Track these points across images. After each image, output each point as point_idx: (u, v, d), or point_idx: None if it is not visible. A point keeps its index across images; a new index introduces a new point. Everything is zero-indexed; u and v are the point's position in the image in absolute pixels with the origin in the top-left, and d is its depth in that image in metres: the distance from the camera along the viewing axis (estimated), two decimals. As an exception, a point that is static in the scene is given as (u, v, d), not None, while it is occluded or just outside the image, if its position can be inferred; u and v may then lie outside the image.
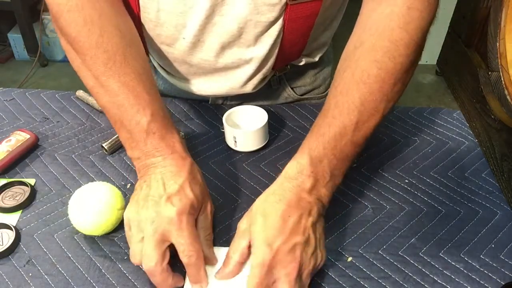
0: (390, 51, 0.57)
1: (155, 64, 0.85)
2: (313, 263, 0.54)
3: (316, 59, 0.83)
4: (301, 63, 0.82)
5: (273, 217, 0.53)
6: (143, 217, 0.54)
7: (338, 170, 0.58)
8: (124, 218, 0.57)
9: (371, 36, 0.59)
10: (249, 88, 0.78)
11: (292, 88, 0.87)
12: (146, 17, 0.70)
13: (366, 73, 0.57)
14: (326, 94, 0.83)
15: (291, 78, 0.87)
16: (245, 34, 0.69)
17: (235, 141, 0.73)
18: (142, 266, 0.53)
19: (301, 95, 0.89)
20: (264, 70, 0.76)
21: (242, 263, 0.55)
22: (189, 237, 0.53)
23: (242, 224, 0.56)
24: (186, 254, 0.53)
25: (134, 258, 0.54)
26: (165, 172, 0.57)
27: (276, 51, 0.73)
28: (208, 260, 0.57)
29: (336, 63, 0.65)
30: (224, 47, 0.71)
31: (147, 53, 0.80)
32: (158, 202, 0.54)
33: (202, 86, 0.79)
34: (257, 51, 0.72)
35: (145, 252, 0.53)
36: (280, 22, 0.68)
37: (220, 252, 0.58)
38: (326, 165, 0.57)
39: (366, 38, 0.60)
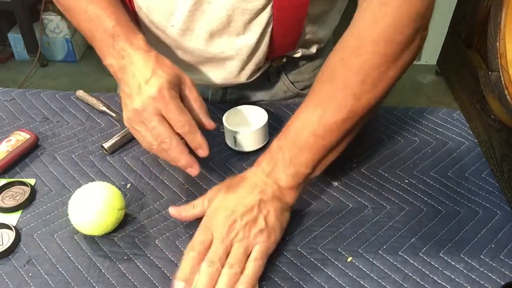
0: (357, 48, 0.58)
1: None
2: (245, 234, 0.57)
3: (313, 50, 0.84)
4: (298, 55, 0.82)
5: (228, 192, 0.60)
6: (136, 111, 0.59)
7: (299, 159, 0.60)
8: (125, 123, 0.63)
9: (344, 36, 0.61)
10: (243, 78, 0.79)
11: (291, 83, 0.88)
12: (138, 2, 0.73)
13: (332, 71, 0.60)
14: None
15: (289, 72, 0.87)
16: (233, 22, 0.70)
17: (235, 141, 0.73)
18: (157, 149, 0.60)
19: (301, 89, 0.89)
20: (255, 60, 0.77)
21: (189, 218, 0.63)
22: (176, 109, 0.58)
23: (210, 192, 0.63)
24: (178, 125, 0.59)
25: (150, 146, 0.61)
26: (135, 67, 0.61)
27: (267, 40, 0.74)
28: (208, 125, 0.64)
29: None
30: (213, 35, 0.73)
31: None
32: (139, 92, 0.59)
33: (198, 75, 0.80)
34: (247, 39, 0.73)
35: (155, 133, 0.59)
36: (268, 10, 0.70)
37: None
38: (286, 154, 0.60)
39: (341, 38, 0.61)
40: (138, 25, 0.79)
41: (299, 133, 0.60)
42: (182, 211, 0.63)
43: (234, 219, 0.57)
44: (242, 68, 0.77)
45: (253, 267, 0.55)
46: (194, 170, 0.61)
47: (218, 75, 0.79)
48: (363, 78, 0.58)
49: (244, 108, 0.77)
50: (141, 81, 0.60)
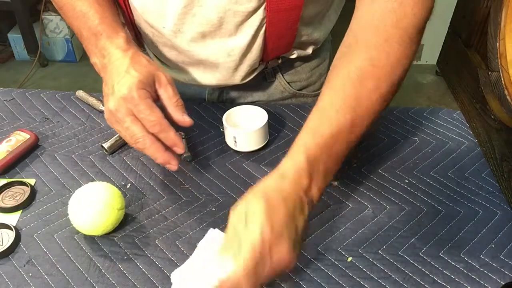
0: (384, 48, 0.56)
1: (154, 58, 0.86)
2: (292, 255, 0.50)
3: (309, 51, 0.83)
4: (293, 56, 0.82)
5: (274, 205, 0.50)
6: (111, 112, 0.60)
7: (330, 171, 0.56)
8: (105, 115, 0.62)
9: (366, 33, 0.58)
10: (237, 79, 0.79)
11: (288, 83, 0.88)
12: (133, 3, 0.73)
13: (361, 71, 0.56)
14: None
15: (286, 73, 0.87)
16: (225, 23, 0.70)
17: (235, 141, 0.73)
18: (136, 147, 0.60)
19: (298, 90, 0.89)
20: (249, 61, 0.76)
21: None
22: (146, 109, 0.58)
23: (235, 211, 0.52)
24: (149, 125, 0.59)
25: (130, 143, 0.61)
26: (113, 66, 0.62)
27: (260, 41, 0.74)
28: (183, 122, 0.62)
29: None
30: (205, 37, 0.73)
31: (142, 45, 0.85)
32: (112, 92, 0.60)
33: (193, 76, 0.81)
34: (239, 41, 0.73)
35: (129, 133, 0.60)
36: (260, 12, 0.69)
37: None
38: (321, 168, 0.55)
39: (361, 35, 0.59)
40: (131, 25, 0.80)
41: (333, 145, 0.55)
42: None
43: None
44: (235, 69, 0.77)
45: None
46: (172, 166, 0.61)
47: (212, 76, 0.79)
48: (393, 80, 0.57)
49: (244, 108, 0.77)
50: (114, 81, 0.60)
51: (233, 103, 0.86)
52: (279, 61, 0.83)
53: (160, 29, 0.73)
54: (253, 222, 0.49)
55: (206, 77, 0.80)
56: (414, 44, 0.58)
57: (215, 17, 0.69)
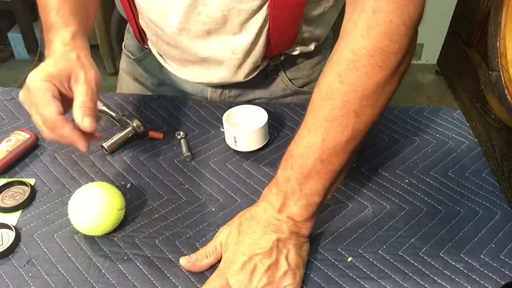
0: (352, 62, 0.53)
1: (157, 56, 0.86)
2: (269, 275, 0.54)
3: (311, 48, 0.84)
4: (296, 52, 0.83)
5: (239, 234, 0.57)
6: (20, 98, 0.59)
7: (309, 188, 0.56)
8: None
9: (338, 48, 0.56)
10: (240, 77, 0.79)
11: (290, 80, 0.88)
12: (138, 1, 0.73)
13: (330, 88, 0.54)
14: None
15: (288, 69, 0.87)
16: (229, 21, 0.70)
17: (235, 141, 0.73)
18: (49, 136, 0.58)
19: (299, 87, 0.89)
20: (252, 59, 0.77)
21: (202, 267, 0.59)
22: (42, 103, 0.55)
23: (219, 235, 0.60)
24: (42, 120, 0.56)
25: (42, 131, 0.58)
26: (48, 59, 0.60)
27: (263, 39, 0.74)
28: (81, 126, 0.57)
29: None
30: (209, 34, 0.73)
31: (145, 42, 0.85)
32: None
33: (196, 74, 0.81)
34: (243, 39, 0.73)
35: (34, 123, 0.58)
36: (264, 10, 0.70)
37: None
38: (295, 184, 0.56)
39: (334, 50, 0.56)
40: (134, 22, 0.80)
41: (304, 161, 0.55)
42: (196, 262, 0.58)
43: (255, 265, 0.54)
44: (239, 67, 0.77)
45: None
46: (80, 147, 0.57)
47: (216, 74, 0.79)
48: (362, 94, 0.53)
49: (244, 108, 0.77)
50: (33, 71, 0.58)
51: (236, 100, 0.86)
52: (282, 58, 0.83)
53: (164, 28, 0.73)
54: (224, 251, 0.58)
55: (210, 75, 0.80)
56: (389, 54, 0.53)
57: (219, 15, 0.69)
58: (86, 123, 0.56)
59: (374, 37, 0.52)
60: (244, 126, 0.76)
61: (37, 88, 0.56)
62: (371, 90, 0.53)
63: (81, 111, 0.56)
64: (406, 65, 0.55)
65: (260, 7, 0.69)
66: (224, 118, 0.74)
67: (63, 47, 0.61)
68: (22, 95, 0.58)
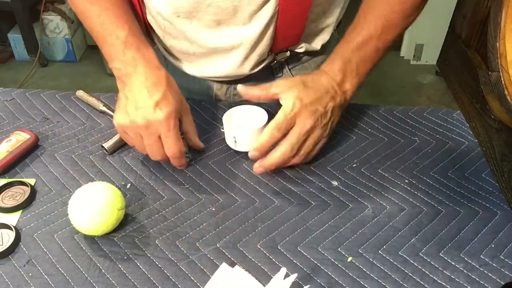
0: None
1: (164, 52, 0.87)
2: (320, 132, 0.68)
3: (317, 46, 0.84)
4: (301, 50, 0.83)
5: (309, 87, 0.68)
6: (137, 124, 0.64)
7: (362, 69, 0.71)
8: (116, 124, 0.67)
9: None
10: (246, 69, 0.81)
11: None
12: None
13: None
14: None
15: (293, 68, 0.88)
16: (240, 12, 0.72)
17: (235, 141, 0.73)
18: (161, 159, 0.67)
19: None
20: (259, 51, 0.78)
21: (261, 96, 0.70)
22: (173, 136, 0.64)
23: (279, 81, 0.70)
24: (169, 150, 0.65)
25: (133, 146, 0.69)
26: (147, 82, 0.65)
27: (271, 31, 0.75)
28: (198, 146, 0.73)
29: None
30: (219, 25, 0.74)
31: (152, 40, 0.87)
32: (147, 110, 0.63)
33: (203, 67, 0.82)
34: (252, 29, 0.74)
35: (149, 148, 0.66)
36: (274, 0, 0.71)
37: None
38: (353, 65, 0.70)
39: None
40: (142, 19, 0.81)
41: (364, 47, 0.71)
42: (251, 90, 0.71)
43: (317, 119, 0.67)
44: (246, 58, 0.79)
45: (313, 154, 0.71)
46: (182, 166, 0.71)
47: (222, 66, 0.80)
48: (414, 4, 0.71)
49: (244, 108, 0.77)
50: (150, 100, 0.63)
51: (241, 98, 0.86)
52: (287, 54, 0.84)
53: (173, 19, 0.74)
54: (286, 98, 0.67)
55: (216, 68, 0.81)
56: None
57: (230, 5, 0.71)
58: (201, 144, 0.74)
59: None
60: (244, 126, 0.76)
61: (172, 126, 0.64)
62: (420, 1, 0.71)
63: (196, 135, 0.72)
64: None
65: None
66: (224, 118, 0.74)
67: (156, 70, 0.66)
68: (122, 119, 0.65)
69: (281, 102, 0.68)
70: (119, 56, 0.67)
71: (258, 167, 0.69)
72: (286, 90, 0.68)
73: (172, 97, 0.65)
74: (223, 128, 0.76)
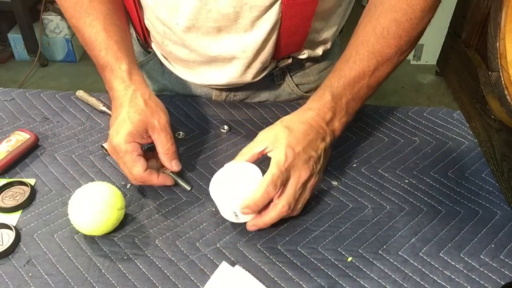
0: (408, 13, 0.64)
1: (162, 59, 0.85)
2: (316, 180, 0.63)
3: (319, 52, 0.83)
4: (303, 56, 0.82)
5: (296, 132, 0.62)
6: (109, 150, 0.65)
7: (352, 108, 0.67)
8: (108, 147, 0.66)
9: None
10: (248, 78, 0.78)
11: (296, 85, 0.87)
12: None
13: (386, 30, 0.65)
14: None
15: (295, 74, 0.87)
16: (241, 18, 0.70)
17: (236, 215, 0.62)
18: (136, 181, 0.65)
19: (305, 92, 0.89)
20: (261, 58, 0.76)
21: (249, 162, 0.63)
22: (130, 162, 0.63)
23: (260, 135, 0.64)
24: (131, 177, 0.64)
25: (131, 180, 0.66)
26: (115, 102, 0.66)
27: (274, 38, 0.73)
28: (172, 169, 0.67)
29: None
30: (220, 32, 0.72)
31: (149, 44, 0.85)
32: (110, 133, 0.64)
33: (204, 76, 0.80)
34: (254, 36, 0.72)
35: (128, 170, 0.64)
36: (277, 6, 0.69)
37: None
38: (344, 103, 0.66)
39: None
40: (138, 24, 0.80)
41: (356, 85, 0.66)
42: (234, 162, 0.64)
43: (312, 167, 0.62)
44: (248, 66, 0.76)
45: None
46: (168, 184, 0.68)
47: (223, 74, 0.78)
48: (410, 39, 0.66)
49: (229, 169, 0.64)
50: (114, 121, 0.65)
51: (241, 103, 0.85)
52: (289, 61, 0.82)
53: (173, 26, 0.72)
54: (276, 151, 0.61)
55: (217, 76, 0.79)
56: (433, 10, 0.66)
57: (231, 11, 0.68)
58: (175, 166, 0.67)
59: None
60: (239, 193, 0.60)
61: (123, 151, 0.62)
62: (416, 36, 0.67)
63: (167, 158, 0.66)
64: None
65: (272, 4, 0.68)
66: (212, 191, 0.62)
67: (125, 89, 0.65)
68: (108, 148, 0.65)
69: (270, 155, 0.61)
70: (103, 80, 0.69)
71: (251, 226, 0.62)
72: (272, 142, 0.62)
73: (129, 119, 0.63)
74: (223, 129, 0.76)
